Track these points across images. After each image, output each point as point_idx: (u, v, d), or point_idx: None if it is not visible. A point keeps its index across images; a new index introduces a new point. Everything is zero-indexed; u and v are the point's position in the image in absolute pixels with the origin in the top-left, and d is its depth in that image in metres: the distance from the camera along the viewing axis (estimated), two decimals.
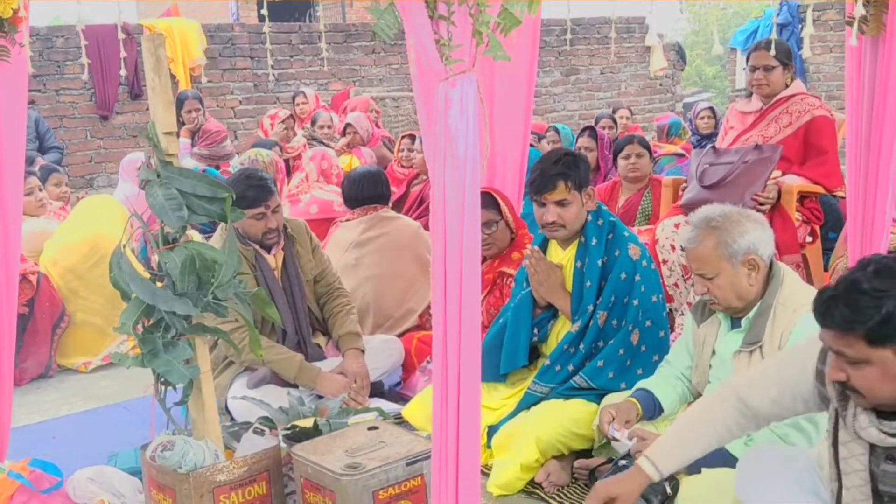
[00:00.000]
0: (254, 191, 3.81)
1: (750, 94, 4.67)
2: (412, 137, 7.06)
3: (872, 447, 2.01)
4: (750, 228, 2.75)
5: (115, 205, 5.23)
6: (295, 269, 4.02)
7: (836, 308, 1.89)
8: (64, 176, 6.04)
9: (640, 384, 3.09)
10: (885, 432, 1.95)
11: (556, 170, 3.31)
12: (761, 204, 4.17)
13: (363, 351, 4.00)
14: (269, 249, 3.96)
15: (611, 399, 3.15)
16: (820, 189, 4.41)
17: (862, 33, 3.03)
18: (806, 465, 2.31)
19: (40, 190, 5.36)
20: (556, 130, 7.07)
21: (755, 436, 2.58)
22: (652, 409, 3.01)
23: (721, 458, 2.59)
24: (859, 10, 2.83)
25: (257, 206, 3.83)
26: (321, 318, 4.19)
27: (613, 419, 2.93)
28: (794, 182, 4.32)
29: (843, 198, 4.55)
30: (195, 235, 4.94)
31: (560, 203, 3.33)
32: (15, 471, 2.97)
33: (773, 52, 4.35)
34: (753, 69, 4.50)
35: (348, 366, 3.89)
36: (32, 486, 2.96)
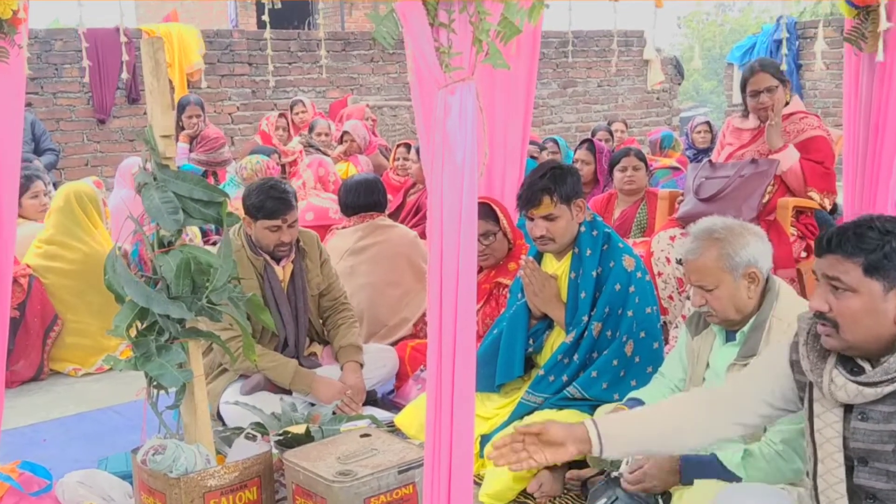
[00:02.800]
0: (273, 202, 3.80)
1: (747, 113, 4.66)
2: (407, 146, 7.08)
3: (846, 411, 2.08)
4: (751, 241, 2.75)
5: (94, 200, 5.15)
6: (302, 282, 4.01)
7: (844, 235, 2.02)
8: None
9: (632, 394, 3.09)
10: (860, 383, 2.02)
11: (541, 184, 3.31)
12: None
13: (362, 365, 3.99)
14: (278, 261, 3.95)
15: (603, 410, 3.14)
16: (815, 204, 4.42)
17: (860, 50, 3.04)
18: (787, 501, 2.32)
19: (46, 195, 5.34)
20: (556, 142, 7.08)
21: (754, 451, 2.58)
22: None
23: (714, 471, 2.59)
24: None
25: (274, 218, 3.81)
26: (321, 330, 4.19)
27: None
28: (795, 157, 4.32)
29: (832, 211, 4.57)
30: (196, 234, 4.92)
31: (547, 217, 3.33)
32: (4, 473, 2.96)
33: (771, 72, 4.36)
34: (756, 94, 4.46)
35: (346, 379, 3.88)
36: (22, 489, 2.94)
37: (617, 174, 5.28)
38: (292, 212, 3.86)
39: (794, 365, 2.21)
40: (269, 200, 3.79)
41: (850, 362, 2.08)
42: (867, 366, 2.05)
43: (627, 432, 2.29)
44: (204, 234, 6.16)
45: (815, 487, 2.15)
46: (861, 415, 2.05)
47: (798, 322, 2.22)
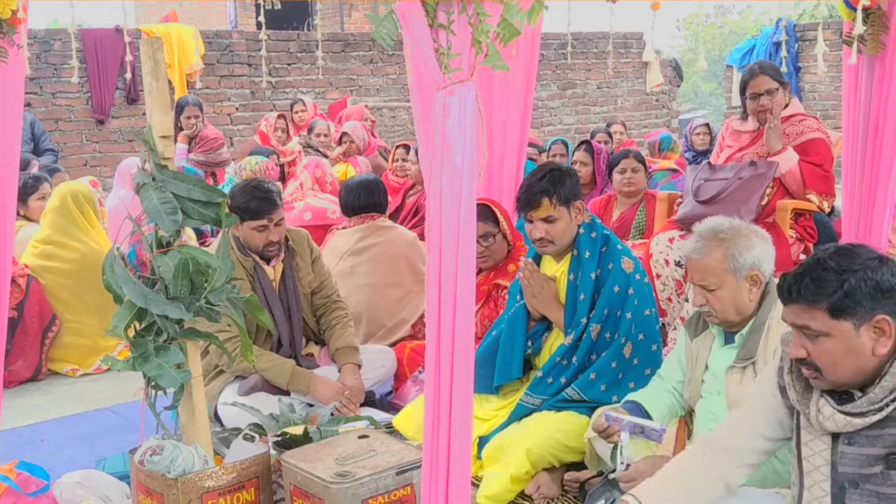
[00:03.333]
0: (257, 202, 3.80)
1: (746, 115, 4.66)
2: (406, 147, 7.08)
3: (834, 439, 2.08)
4: (756, 244, 2.75)
5: (90, 199, 5.15)
6: (293, 281, 4.01)
7: (802, 282, 2.02)
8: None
9: (630, 396, 3.09)
10: (848, 413, 2.03)
11: (539, 187, 3.31)
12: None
13: (360, 366, 3.99)
14: (268, 261, 3.94)
15: (600, 411, 3.14)
16: (813, 206, 4.42)
17: (860, 52, 3.04)
18: None
19: None
20: (564, 144, 7.00)
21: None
22: None
23: None
24: (858, 29, 2.84)
25: (260, 218, 3.81)
26: (316, 329, 4.18)
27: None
28: (794, 159, 4.32)
29: (830, 213, 4.57)
30: (191, 235, 4.89)
31: (546, 220, 3.33)
32: (2, 473, 2.96)
33: (771, 74, 4.36)
34: (755, 96, 4.47)
35: (345, 380, 3.88)
36: (19, 489, 2.94)
37: (616, 176, 5.28)
38: (277, 210, 3.86)
39: (783, 391, 2.21)
40: (254, 201, 3.79)
41: (837, 391, 2.08)
42: (857, 392, 2.05)
43: (665, 494, 2.31)
44: (200, 235, 6.16)
45: None
46: (848, 440, 2.06)
47: (781, 346, 2.23)
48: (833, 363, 2.01)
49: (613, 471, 2.81)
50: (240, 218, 3.80)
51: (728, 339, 2.87)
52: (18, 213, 4.92)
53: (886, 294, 1.97)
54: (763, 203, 4.29)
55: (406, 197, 6.47)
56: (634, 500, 2.31)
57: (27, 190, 5.24)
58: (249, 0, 14.83)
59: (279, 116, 7.71)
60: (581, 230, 3.39)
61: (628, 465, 2.78)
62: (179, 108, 7.71)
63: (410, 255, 4.78)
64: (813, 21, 13.89)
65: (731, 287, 2.74)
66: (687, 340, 3.02)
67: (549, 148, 7.15)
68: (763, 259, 2.75)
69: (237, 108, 10.19)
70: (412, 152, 6.63)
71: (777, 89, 4.44)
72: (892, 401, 1.98)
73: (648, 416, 3.01)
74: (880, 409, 1.99)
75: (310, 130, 8.25)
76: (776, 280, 2.85)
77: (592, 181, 6.08)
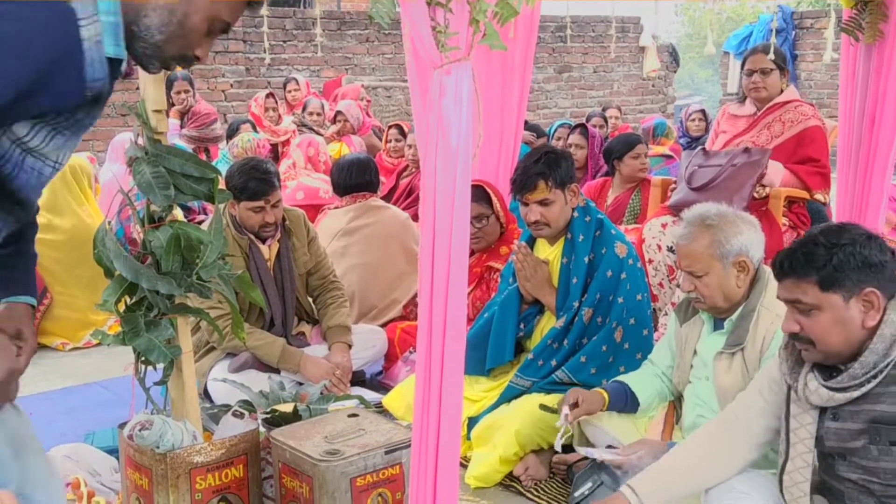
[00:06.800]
0: (255, 183, 3.77)
1: (743, 99, 4.66)
2: (399, 128, 7.04)
3: (820, 413, 2.16)
4: (744, 230, 2.75)
5: (87, 174, 5.13)
6: (288, 261, 3.99)
7: (794, 257, 2.10)
8: None
9: (618, 378, 3.10)
10: (832, 388, 2.10)
11: (536, 169, 3.30)
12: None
13: (350, 346, 3.99)
14: (264, 240, 3.93)
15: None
16: (806, 194, 4.42)
17: (857, 41, 3.03)
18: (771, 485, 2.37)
19: None
20: (569, 127, 6.83)
21: None
22: (623, 401, 3.01)
23: None
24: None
25: (257, 199, 3.78)
26: (310, 310, 4.18)
27: (577, 406, 2.93)
28: (781, 172, 4.32)
29: (825, 203, 4.57)
30: (178, 214, 4.88)
31: (542, 202, 3.32)
32: None
33: (771, 55, 4.34)
34: (750, 72, 4.48)
35: (333, 358, 3.88)
36: None
37: (630, 161, 5.26)
38: (275, 192, 3.83)
39: (780, 366, 2.28)
40: (252, 181, 3.77)
41: (827, 366, 2.15)
42: (843, 367, 2.12)
43: (662, 484, 2.39)
44: (187, 211, 6.12)
45: (781, 482, 2.23)
46: (833, 415, 2.14)
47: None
48: (825, 334, 2.08)
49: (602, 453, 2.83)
50: (237, 197, 3.78)
51: (717, 325, 2.87)
52: None
53: (874, 268, 2.05)
54: (756, 195, 4.28)
55: (400, 178, 6.45)
56: (632, 493, 2.35)
57: None
58: None
59: (268, 96, 7.63)
60: (575, 214, 3.38)
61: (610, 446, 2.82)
62: (168, 84, 7.64)
63: (403, 236, 4.77)
64: (811, 8, 13.85)
65: (719, 273, 2.74)
66: (676, 325, 3.02)
67: (554, 131, 7.12)
68: (751, 245, 2.75)
69: (231, 85, 10.13)
70: (410, 136, 6.60)
71: (772, 70, 4.43)
72: (873, 377, 2.06)
73: (635, 398, 3.03)
74: (861, 385, 2.07)
75: (304, 109, 8.21)
76: (766, 267, 2.86)
77: (584, 166, 6.07)
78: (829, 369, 2.15)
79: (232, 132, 7.11)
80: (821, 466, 2.24)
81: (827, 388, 2.11)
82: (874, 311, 2.06)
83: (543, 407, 3.11)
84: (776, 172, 4.32)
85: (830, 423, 2.14)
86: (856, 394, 2.08)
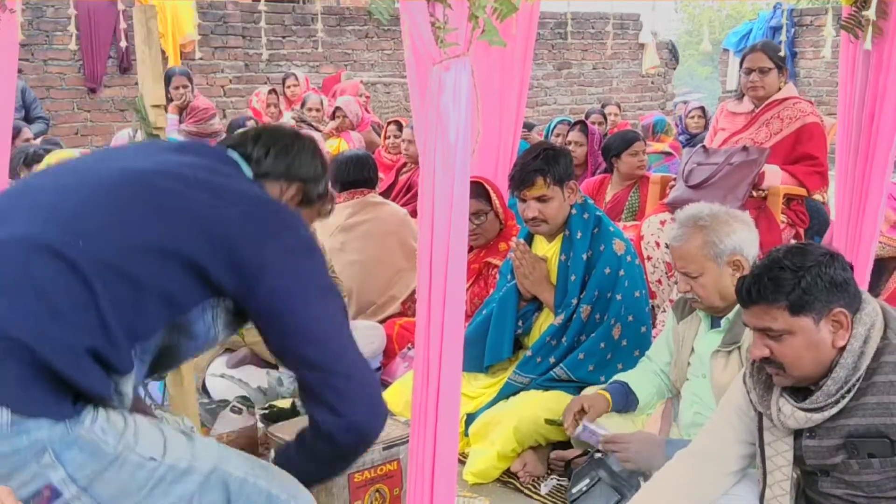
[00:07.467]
0: None
1: (741, 96, 4.67)
2: (398, 124, 7.03)
3: (796, 436, 2.14)
4: (737, 229, 2.75)
5: None
6: None
7: (761, 283, 2.07)
8: None
9: (617, 377, 3.10)
10: (807, 409, 2.09)
11: (534, 165, 3.30)
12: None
13: None
14: None
15: (589, 391, 3.15)
16: (805, 192, 4.43)
17: (856, 38, 3.03)
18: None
19: None
20: (569, 124, 6.81)
21: None
22: (624, 401, 3.02)
23: None
24: (869, 14, 2.81)
25: None
26: None
27: (585, 412, 2.93)
28: (779, 175, 4.32)
29: (824, 202, 4.58)
30: None
31: (540, 199, 3.32)
32: None
33: (769, 54, 4.34)
34: (749, 71, 4.49)
35: None
36: None
37: (628, 158, 5.25)
38: None
39: (748, 395, 2.26)
40: None
41: (797, 389, 2.14)
42: (813, 387, 2.10)
43: None
44: None
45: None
46: (809, 433, 2.13)
47: (749, 352, 2.25)
48: (797, 358, 2.07)
49: (599, 450, 2.83)
50: None
51: (714, 323, 2.87)
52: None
53: (839, 287, 2.04)
54: (754, 194, 4.28)
55: (399, 174, 6.45)
56: None
57: (31, 160, 5.23)
58: None
59: (270, 91, 7.63)
60: (573, 211, 3.38)
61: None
62: (167, 79, 7.63)
63: (401, 232, 4.77)
64: (811, 6, 13.83)
65: (713, 273, 2.74)
66: (674, 322, 3.03)
67: (553, 128, 7.10)
68: (745, 244, 2.75)
69: (230, 81, 10.12)
70: (407, 129, 6.59)
71: (771, 69, 4.43)
72: (847, 391, 2.05)
73: (635, 397, 3.03)
74: (836, 402, 2.06)
75: (302, 104, 8.20)
76: None
77: (584, 163, 6.06)
78: (800, 391, 2.13)
79: (236, 129, 7.10)
80: (805, 483, 2.23)
81: (803, 409, 2.10)
82: (843, 331, 2.04)
83: (549, 421, 3.10)
84: (774, 177, 4.32)
85: (808, 442, 2.13)
86: (833, 411, 2.06)
